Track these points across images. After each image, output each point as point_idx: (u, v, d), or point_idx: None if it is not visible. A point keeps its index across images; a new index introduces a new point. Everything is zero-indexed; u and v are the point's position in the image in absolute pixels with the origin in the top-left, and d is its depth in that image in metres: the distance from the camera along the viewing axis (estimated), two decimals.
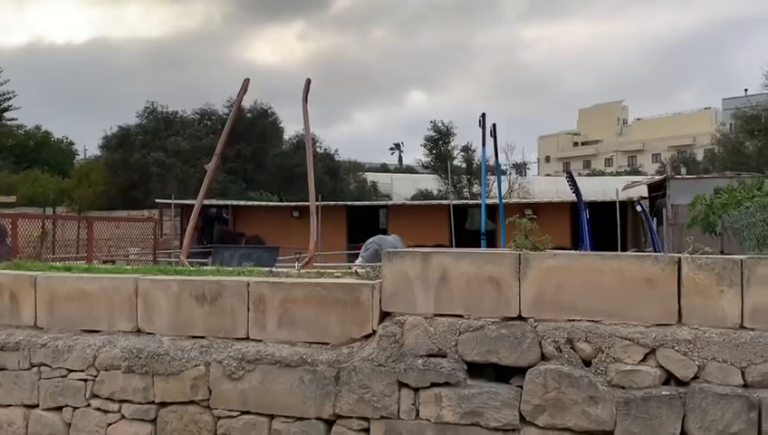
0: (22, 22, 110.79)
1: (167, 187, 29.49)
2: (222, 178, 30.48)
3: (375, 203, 28.63)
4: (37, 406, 4.87)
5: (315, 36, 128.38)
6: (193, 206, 9.98)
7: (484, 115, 15.45)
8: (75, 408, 4.76)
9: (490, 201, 18.52)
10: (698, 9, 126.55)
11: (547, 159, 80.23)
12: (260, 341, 4.47)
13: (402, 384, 4.12)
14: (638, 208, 18.22)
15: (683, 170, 41.99)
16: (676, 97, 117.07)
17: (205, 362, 4.49)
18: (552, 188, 34.06)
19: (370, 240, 10.88)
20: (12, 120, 42.69)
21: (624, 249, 18.01)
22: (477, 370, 4.06)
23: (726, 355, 3.65)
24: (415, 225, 21.63)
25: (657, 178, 23.60)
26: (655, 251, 14.78)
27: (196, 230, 22.07)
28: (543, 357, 3.92)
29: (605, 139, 78.70)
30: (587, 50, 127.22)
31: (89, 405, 4.73)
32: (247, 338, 4.51)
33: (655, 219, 18.28)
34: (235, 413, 4.43)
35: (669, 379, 3.75)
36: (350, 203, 25.62)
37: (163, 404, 4.58)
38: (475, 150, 35.22)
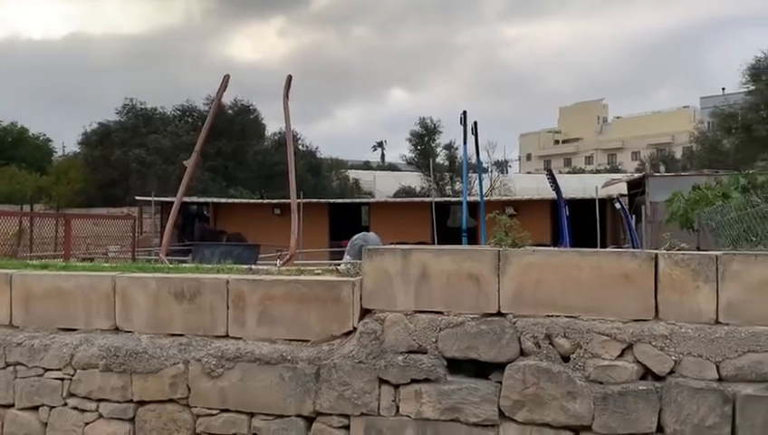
0: None
1: (147, 184, 29.21)
2: (202, 176, 30.26)
3: (357, 200, 28.63)
4: (13, 406, 4.80)
5: (296, 33, 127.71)
6: (173, 203, 9.90)
7: (465, 113, 15.51)
8: (52, 407, 4.70)
9: (471, 199, 18.59)
10: (674, 9, 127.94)
11: (528, 156, 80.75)
12: (239, 338, 4.45)
13: (382, 381, 4.12)
14: (617, 206, 18.40)
15: (662, 168, 42.48)
16: (654, 95, 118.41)
17: (183, 361, 4.45)
18: (533, 186, 34.27)
19: (356, 237, 10.87)
20: None
21: (603, 246, 18.19)
22: (457, 366, 4.07)
23: (702, 350, 3.70)
24: (397, 222, 21.67)
25: (636, 175, 23.87)
26: (633, 248, 14.93)
27: (177, 228, 21.93)
28: (522, 353, 3.94)
29: (585, 137, 79.38)
30: (566, 49, 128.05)
31: (66, 404, 4.68)
32: (227, 336, 4.48)
33: (634, 216, 18.49)
34: (214, 411, 4.41)
35: (646, 374, 3.79)
36: (332, 201, 25.59)
37: (141, 403, 4.54)
38: (457, 148, 35.38)
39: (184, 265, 6.56)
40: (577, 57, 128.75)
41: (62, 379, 4.69)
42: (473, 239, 16.62)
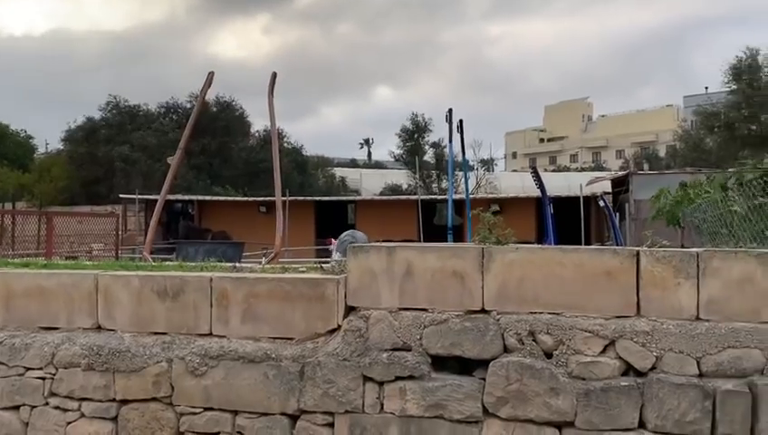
0: None
1: (131, 182, 28.98)
2: (187, 174, 30.06)
3: (343, 198, 28.58)
4: None
5: (281, 30, 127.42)
6: (157, 201, 9.82)
7: (450, 111, 15.56)
8: (33, 407, 4.65)
9: (457, 196, 18.64)
10: (657, 8, 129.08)
11: (514, 155, 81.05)
12: (223, 337, 4.43)
13: (367, 378, 4.12)
14: (601, 203, 18.55)
15: (645, 166, 42.80)
16: (638, 94, 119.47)
17: (167, 359, 4.43)
18: (518, 184, 34.46)
19: (345, 234, 10.87)
20: None
21: (588, 243, 18.31)
22: (441, 363, 4.08)
23: (683, 346, 3.74)
24: (383, 220, 21.67)
25: (620, 173, 24.04)
26: (617, 245, 15.05)
27: (162, 226, 21.78)
28: (506, 349, 3.96)
29: (570, 135, 79.82)
30: (551, 47, 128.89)
31: (47, 404, 4.63)
32: (210, 334, 4.46)
33: (618, 214, 18.64)
34: (198, 410, 4.39)
35: (628, 370, 3.82)
36: (318, 198, 25.53)
37: (124, 402, 4.51)
38: (445, 147, 35.44)
39: (167, 263, 6.52)
40: (561, 55, 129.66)
41: (43, 378, 4.64)
42: (458, 237, 16.68)
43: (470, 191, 21.16)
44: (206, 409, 4.37)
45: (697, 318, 3.77)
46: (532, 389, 3.87)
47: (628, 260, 3.87)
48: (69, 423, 4.58)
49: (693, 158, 33.80)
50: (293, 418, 4.25)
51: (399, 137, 39.19)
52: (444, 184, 33.88)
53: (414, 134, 38.53)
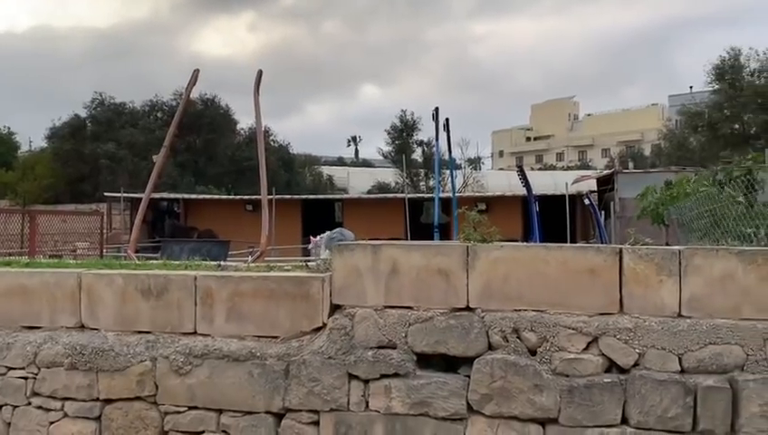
0: None
1: (117, 179, 28.75)
2: (172, 172, 29.87)
3: (330, 197, 28.56)
4: None
5: (266, 27, 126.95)
6: (142, 199, 9.75)
7: (437, 109, 15.59)
8: (15, 407, 4.60)
9: (444, 195, 18.68)
10: (642, 8, 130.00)
11: (500, 153, 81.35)
12: (208, 335, 4.40)
13: (352, 376, 4.12)
14: (587, 202, 18.65)
15: (630, 165, 43.12)
16: (624, 93, 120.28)
17: (151, 358, 4.40)
18: (504, 183, 34.57)
19: (335, 231, 10.89)
20: None
21: (573, 241, 18.42)
22: (426, 360, 4.09)
23: (665, 343, 3.77)
24: (370, 218, 21.69)
25: (606, 172, 24.21)
26: (601, 243, 15.15)
27: (147, 224, 21.65)
28: (490, 347, 3.98)
29: (556, 134, 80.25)
30: (536, 46, 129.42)
31: (29, 404, 4.58)
32: (195, 333, 4.43)
33: (603, 212, 18.76)
34: (182, 409, 4.36)
35: (611, 366, 3.85)
36: (304, 197, 25.49)
37: (108, 401, 4.47)
38: (433, 145, 35.49)
39: (152, 261, 6.47)
40: (547, 54, 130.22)
41: (25, 378, 4.59)
42: (445, 235, 16.72)
43: (457, 190, 21.22)
44: (190, 408, 4.35)
45: (679, 315, 3.81)
46: (517, 386, 3.89)
47: (612, 258, 3.89)
48: (52, 423, 4.54)
49: (677, 156, 34.10)
50: (278, 416, 4.24)
51: (389, 134, 39.24)
52: (432, 182, 33.93)
53: (402, 132, 38.59)
